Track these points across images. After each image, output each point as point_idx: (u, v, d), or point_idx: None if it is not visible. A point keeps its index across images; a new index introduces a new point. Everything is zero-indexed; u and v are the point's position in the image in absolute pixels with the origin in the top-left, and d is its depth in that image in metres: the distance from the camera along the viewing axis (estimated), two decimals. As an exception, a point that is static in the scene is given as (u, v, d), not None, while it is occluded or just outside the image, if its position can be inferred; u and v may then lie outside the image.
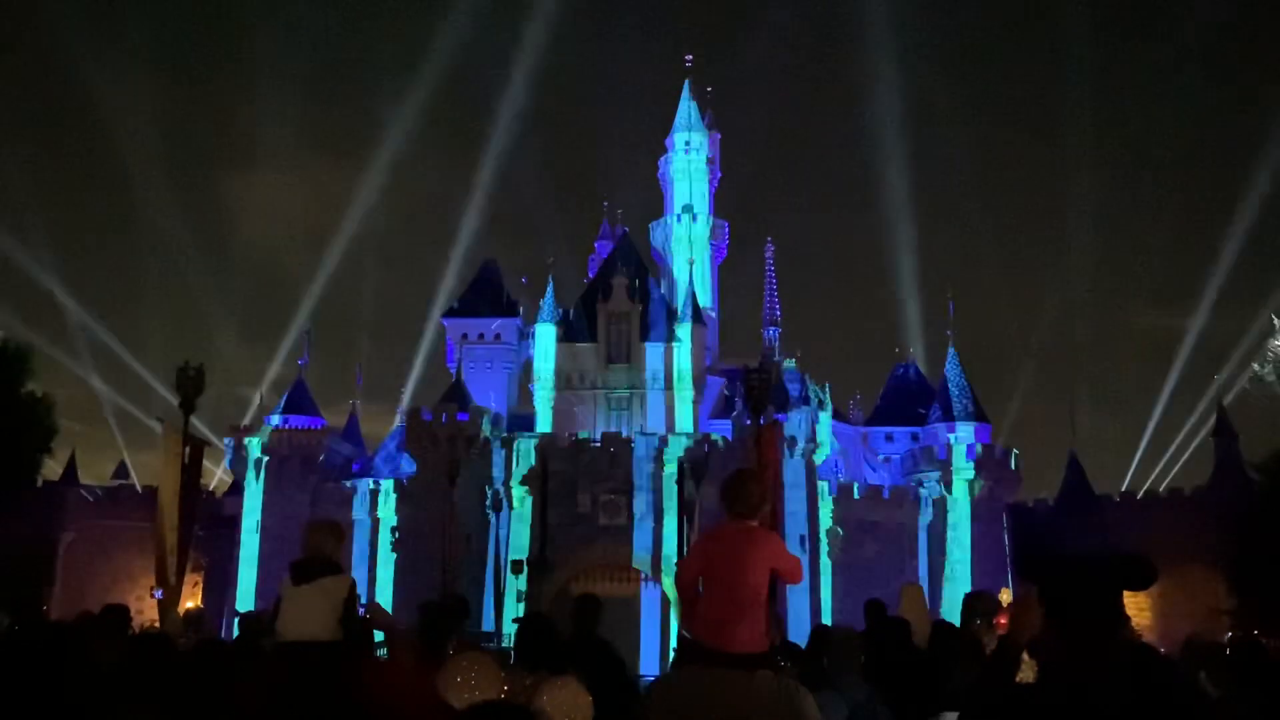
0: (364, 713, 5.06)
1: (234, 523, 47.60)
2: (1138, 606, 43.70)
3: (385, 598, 43.14)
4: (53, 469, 49.74)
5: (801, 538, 43.30)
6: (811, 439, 44.98)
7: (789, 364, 53.95)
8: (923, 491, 47.67)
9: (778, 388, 47.55)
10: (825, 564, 44.68)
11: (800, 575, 4.25)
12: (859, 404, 57.47)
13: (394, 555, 45.41)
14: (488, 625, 35.37)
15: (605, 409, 48.68)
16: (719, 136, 59.12)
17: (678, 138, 57.96)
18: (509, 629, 29.50)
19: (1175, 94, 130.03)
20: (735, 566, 4.06)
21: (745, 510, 4.24)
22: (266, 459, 47.89)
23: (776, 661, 4.01)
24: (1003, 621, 8.09)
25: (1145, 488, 48.47)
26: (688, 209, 56.87)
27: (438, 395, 49.52)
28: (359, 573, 43.49)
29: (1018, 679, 3.27)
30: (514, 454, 43.99)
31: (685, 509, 36.91)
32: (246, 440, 48.17)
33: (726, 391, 51.56)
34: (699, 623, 4.01)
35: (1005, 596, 32.88)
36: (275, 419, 51.13)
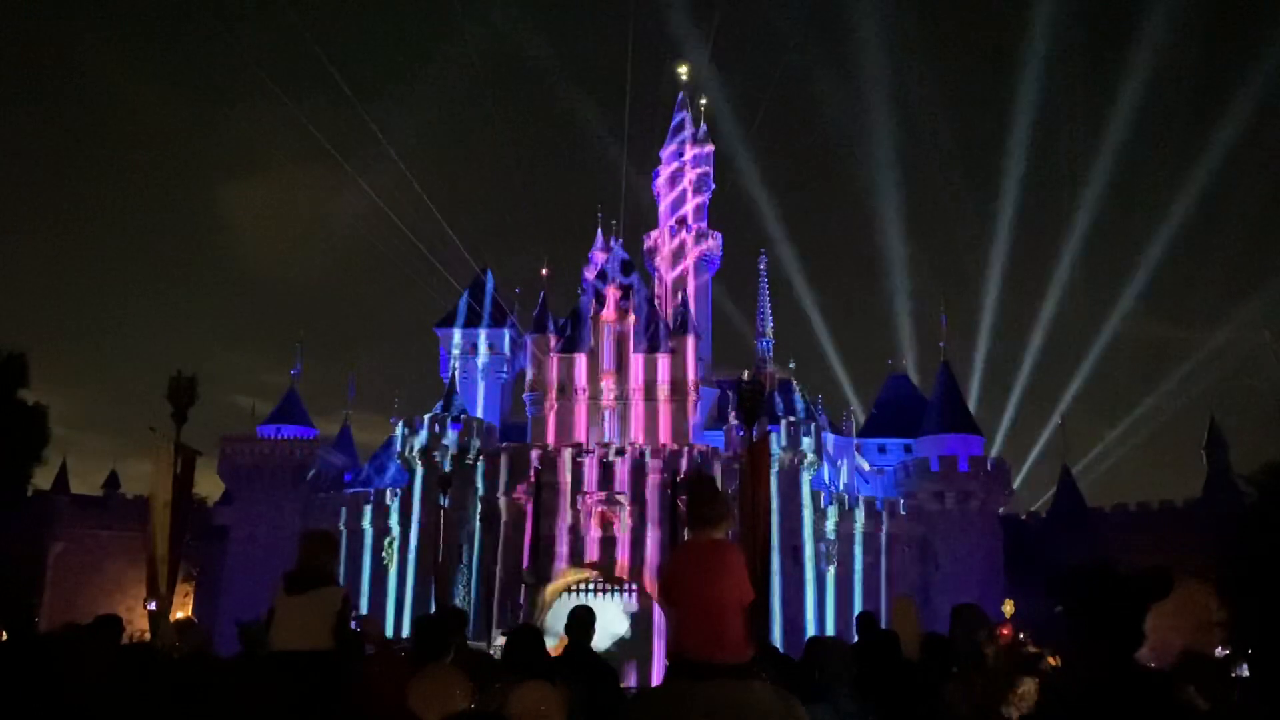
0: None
1: (225, 532, 47.44)
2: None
3: (378, 609, 42.98)
4: (43, 478, 49.40)
5: (794, 549, 43.32)
6: (804, 451, 45.02)
7: (782, 375, 54.00)
8: (915, 503, 47.70)
9: (771, 399, 47.63)
10: (817, 576, 44.64)
11: (748, 598, 4.07)
12: (852, 415, 57.56)
13: (386, 566, 45.27)
14: (480, 637, 35.27)
15: (598, 420, 48.66)
16: (714, 148, 59.29)
17: (672, 149, 58.13)
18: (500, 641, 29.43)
19: (1172, 100, 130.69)
20: (704, 580, 4.05)
21: (709, 522, 4.22)
22: (258, 468, 47.80)
23: (759, 670, 4.00)
24: (1005, 633, 8.11)
25: (1137, 500, 48.51)
26: (682, 220, 57.00)
27: (430, 405, 49.47)
28: (350, 584, 43.32)
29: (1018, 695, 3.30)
30: (506, 465, 43.96)
31: (676, 521, 36.90)
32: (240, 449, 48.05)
33: (719, 403, 51.60)
34: (682, 639, 4.00)
35: (1008, 608, 32.82)
36: (275, 428, 51.08)
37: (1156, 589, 3.10)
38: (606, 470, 42.99)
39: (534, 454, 43.59)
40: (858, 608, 40.80)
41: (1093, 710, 2.77)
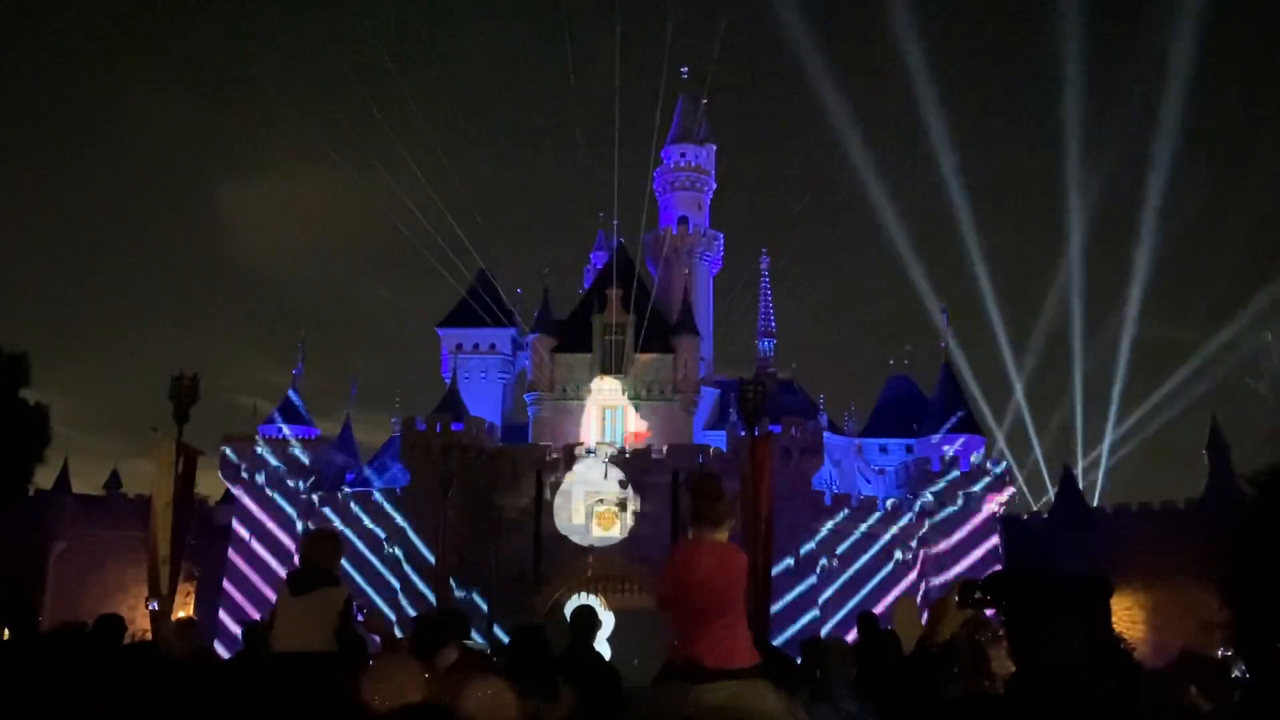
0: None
1: (227, 532, 47.41)
2: (1131, 620, 43.70)
3: (378, 609, 42.99)
4: (45, 477, 49.35)
5: (795, 549, 43.28)
6: (806, 451, 44.97)
7: (784, 375, 53.98)
8: (917, 503, 47.65)
9: (772, 399, 47.60)
10: (818, 576, 44.60)
11: (742, 602, 4.12)
12: (853, 415, 57.53)
13: (386, 567, 45.25)
14: (481, 637, 35.23)
15: (599, 420, 48.65)
16: (715, 148, 59.23)
17: (674, 149, 58.10)
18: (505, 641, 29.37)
19: (1173, 102, 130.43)
20: (702, 582, 4.01)
21: (711, 523, 4.17)
22: (260, 468, 47.77)
23: (762, 672, 3.99)
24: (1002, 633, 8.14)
25: (1138, 500, 48.47)
26: (683, 220, 56.97)
27: (432, 405, 49.44)
28: (351, 584, 43.30)
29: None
30: (508, 465, 43.92)
31: (679, 521, 36.88)
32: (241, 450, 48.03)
33: (720, 403, 51.58)
34: (679, 641, 3.96)
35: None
36: (276, 428, 51.04)
37: (1096, 593, 3.16)
38: (607, 471, 42.95)
39: (535, 454, 43.56)
40: (859, 609, 40.76)
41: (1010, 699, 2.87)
